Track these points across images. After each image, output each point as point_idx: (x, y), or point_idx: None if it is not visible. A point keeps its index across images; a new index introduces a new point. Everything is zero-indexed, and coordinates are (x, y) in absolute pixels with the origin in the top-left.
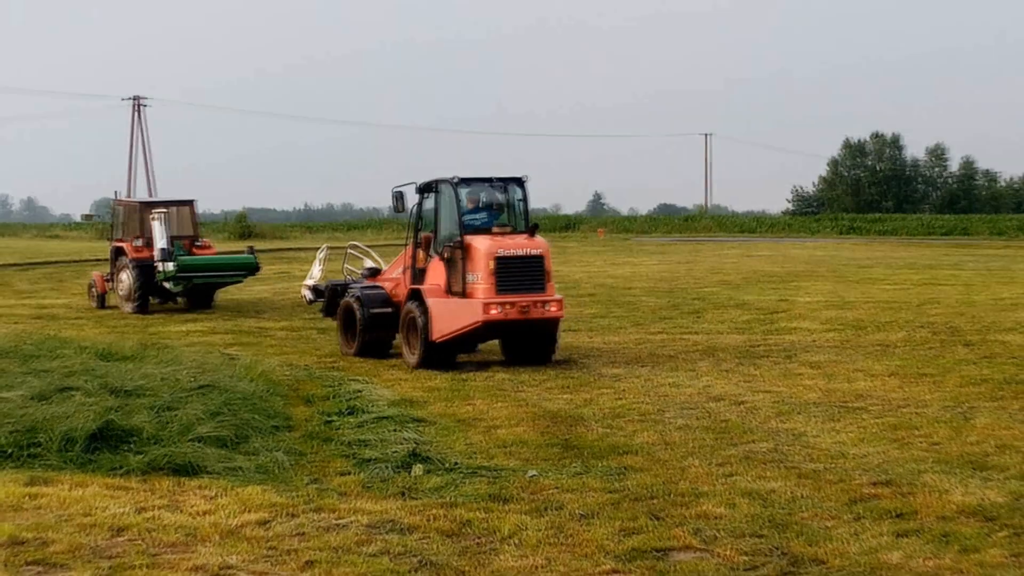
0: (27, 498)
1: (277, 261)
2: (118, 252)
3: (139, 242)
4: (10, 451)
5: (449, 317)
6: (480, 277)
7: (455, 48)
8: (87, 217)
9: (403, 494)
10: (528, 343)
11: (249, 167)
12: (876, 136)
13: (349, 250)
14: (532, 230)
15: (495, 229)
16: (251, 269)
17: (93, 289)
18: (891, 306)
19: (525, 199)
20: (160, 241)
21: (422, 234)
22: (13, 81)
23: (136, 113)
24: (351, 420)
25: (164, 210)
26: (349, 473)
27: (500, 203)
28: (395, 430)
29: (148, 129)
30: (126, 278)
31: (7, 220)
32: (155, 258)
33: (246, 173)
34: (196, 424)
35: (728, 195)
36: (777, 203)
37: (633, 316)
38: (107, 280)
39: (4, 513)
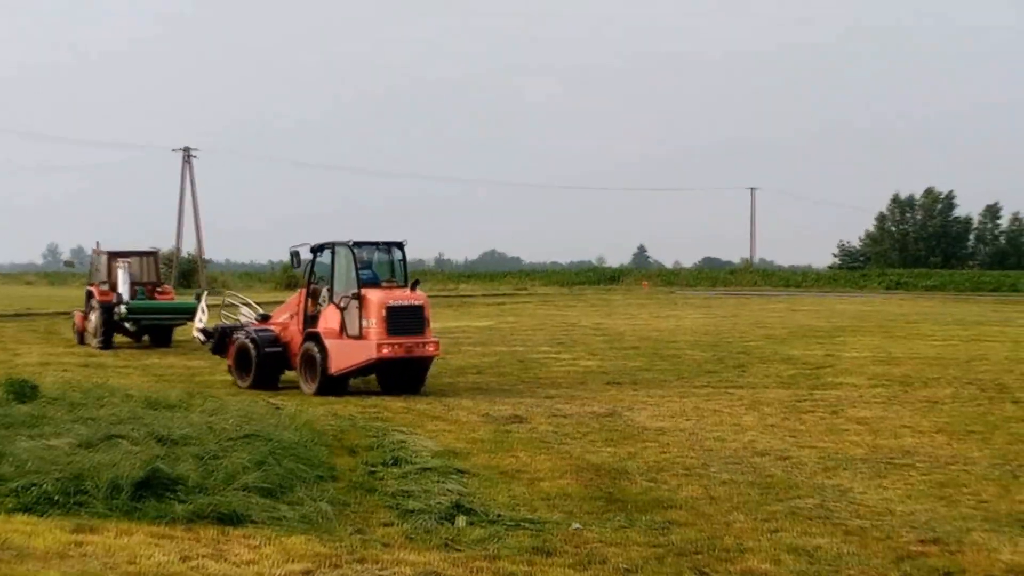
0: (73, 545)
1: None
2: (91, 295)
3: (105, 286)
4: (57, 498)
5: (346, 354)
6: (373, 323)
7: (501, 101)
8: (68, 264)
9: (446, 545)
10: (406, 376)
11: (298, 219)
12: (929, 192)
13: (227, 299)
14: (414, 285)
15: (384, 284)
16: (193, 313)
17: (75, 326)
18: (938, 362)
19: (404, 259)
20: (121, 286)
21: (313, 286)
22: (63, 131)
23: (186, 164)
24: (395, 471)
25: (127, 260)
26: (392, 524)
27: (385, 262)
28: (438, 481)
29: (196, 180)
30: (94, 317)
31: (57, 269)
32: (113, 301)
33: (296, 225)
34: (241, 473)
35: (773, 249)
36: (822, 257)
37: (677, 369)
38: (85, 319)
39: (50, 560)
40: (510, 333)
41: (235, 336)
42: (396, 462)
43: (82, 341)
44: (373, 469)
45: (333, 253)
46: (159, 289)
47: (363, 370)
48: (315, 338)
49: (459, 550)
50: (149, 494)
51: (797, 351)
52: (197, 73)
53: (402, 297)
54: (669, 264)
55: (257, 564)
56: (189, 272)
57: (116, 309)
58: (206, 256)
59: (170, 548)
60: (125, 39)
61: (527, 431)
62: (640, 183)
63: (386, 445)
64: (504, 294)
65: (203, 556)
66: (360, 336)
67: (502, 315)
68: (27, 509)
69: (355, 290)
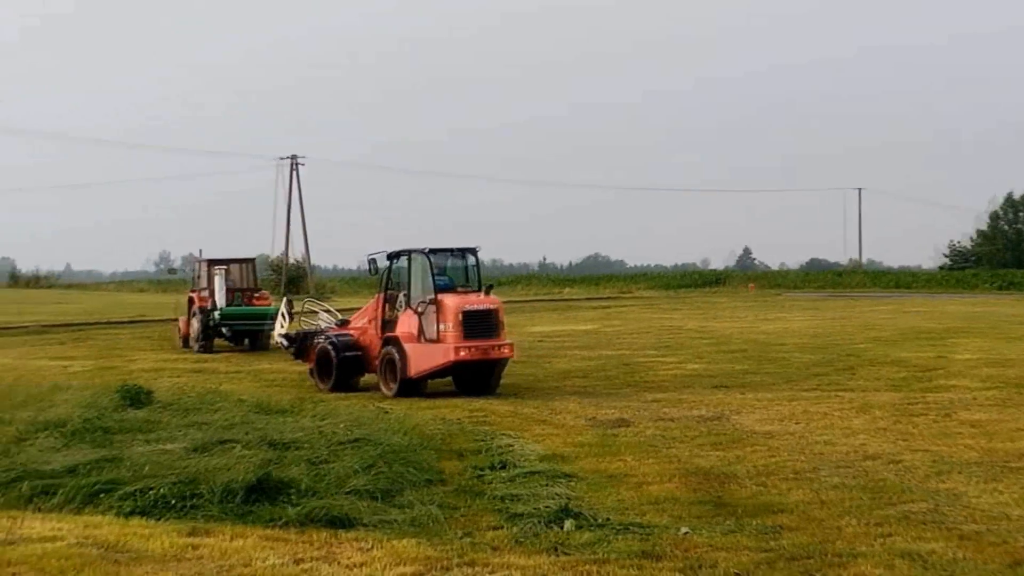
0: (188, 548)
1: None
2: (192, 301)
3: (205, 292)
4: (172, 501)
5: (424, 358)
6: (450, 327)
7: (618, 105)
8: (171, 271)
9: (554, 549)
10: (482, 377)
11: (403, 225)
12: None
13: (306, 305)
14: (487, 289)
15: (459, 289)
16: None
17: (179, 331)
18: None
19: (478, 264)
20: (217, 293)
21: (389, 292)
22: (172, 141)
23: (293, 172)
24: (502, 474)
25: (224, 267)
26: (500, 527)
27: (459, 268)
28: (545, 485)
29: (303, 187)
30: (194, 323)
31: (166, 277)
32: (208, 307)
33: (400, 231)
34: (351, 477)
35: (879, 250)
36: (926, 258)
37: (785, 372)
38: (188, 324)
39: (166, 563)
40: (614, 337)
41: (315, 341)
42: (503, 466)
43: (186, 344)
44: (480, 473)
45: (409, 260)
46: (256, 295)
47: (440, 372)
48: (394, 342)
49: (567, 554)
50: (261, 497)
51: (907, 353)
52: (306, 82)
53: (477, 302)
54: (774, 266)
55: (368, 567)
56: (296, 278)
57: (211, 315)
58: (313, 262)
59: (283, 551)
60: (235, 49)
61: (633, 435)
62: (744, 184)
63: (493, 449)
64: (608, 297)
65: (315, 559)
66: (437, 340)
67: (606, 319)
68: (143, 512)
69: (431, 295)
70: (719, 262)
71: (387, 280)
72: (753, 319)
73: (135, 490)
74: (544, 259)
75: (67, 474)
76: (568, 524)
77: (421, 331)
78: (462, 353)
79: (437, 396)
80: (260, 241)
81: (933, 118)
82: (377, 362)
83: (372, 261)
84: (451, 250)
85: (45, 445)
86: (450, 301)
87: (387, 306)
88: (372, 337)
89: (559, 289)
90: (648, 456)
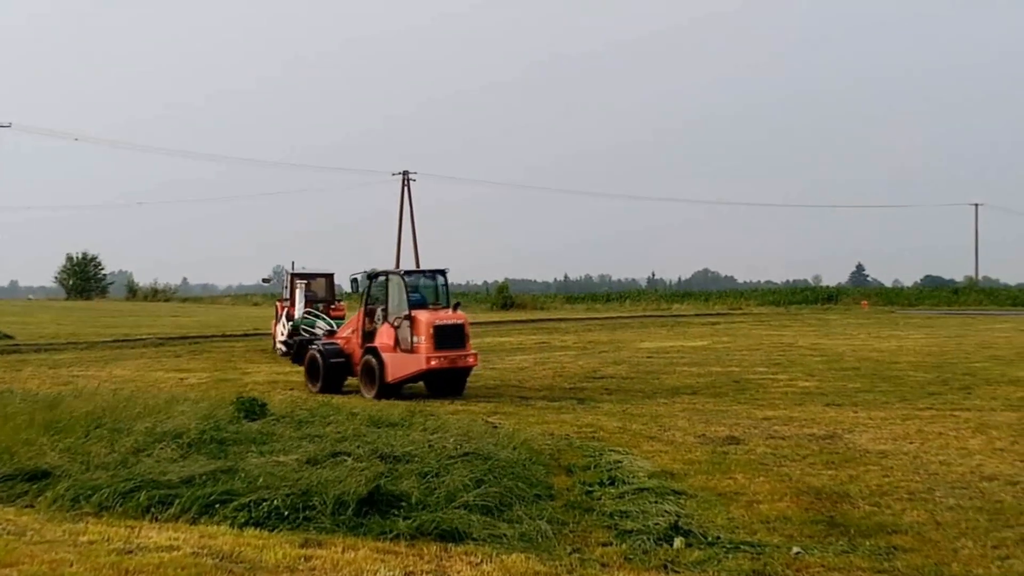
0: (301, 559)
1: (537, 332)
2: (277, 309)
3: (288, 302)
4: (286, 513)
5: (400, 366)
6: (423, 339)
7: (724, 120)
8: (265, 281)
9: (664, 567)
10: (450, 383)
11: (508, 238)
12: None
13: (305, 316)
14: (455, 307)
15: (430, 306)
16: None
17: (273, 337)
18: None
19: (447, 284)
20: (297, 303)
21: (369, 307)
22: (291, 158)
23: (404, 187)
24: (611, 490)
25: (305, 280)
26: (610, 544)
27: (430, 287)
28: (655, 502)
29: (414, 202)
30: (278, 329)
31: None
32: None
33: (507, 244)
34: (461, 491)
35: (998, 266)
36: None
37: (899, 391)
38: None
39: (280, 574)
40: (725, 353)
41: (308, 348)
42: (612, 482)
43: (274, 349)
44: (590, 489)
45: (387, 279)
46: (333, 306)
47: (414, 378)
48: (373, 352)
49: (677, 572)
50: (373, 510)
51: None
52: (419, 103)
53: (446, 317)
54: (888, 283)
55: None
56: None
57: (288, 322)
58: None
59: (394, 564)
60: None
61: (744, 453)
62: (858, 200)
63: (602, 465)
64: (718, 314)
65: (426, 572)
66: (412, 350)
67: (716, 335)
68: (258, 523)
69: (406, 311)
70: (831, 279)
71: (367, 297)
72: (866, 337)
73: (250, 501)
74: (653, 275)
75: (183, 485)
76: (678, 542)
77: (397, 342)
78: (433, 362)
79: (547, 411)
80: (388, 257)
81: None
82: (359, 368)
83: (354, 280)
84: (423, 271)
85: (162, 456)
86: (423, 316)
87: (367, 320)
88: (355, 346)
89: (668, 305)
90: (759, 474)
